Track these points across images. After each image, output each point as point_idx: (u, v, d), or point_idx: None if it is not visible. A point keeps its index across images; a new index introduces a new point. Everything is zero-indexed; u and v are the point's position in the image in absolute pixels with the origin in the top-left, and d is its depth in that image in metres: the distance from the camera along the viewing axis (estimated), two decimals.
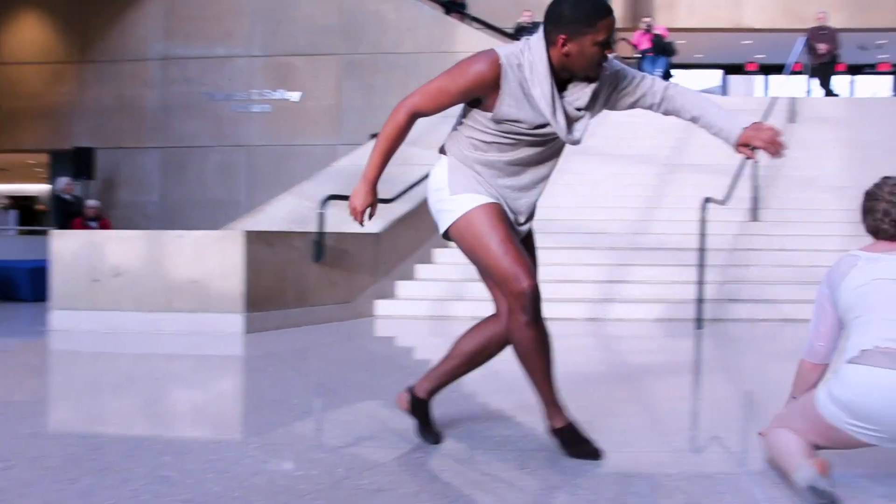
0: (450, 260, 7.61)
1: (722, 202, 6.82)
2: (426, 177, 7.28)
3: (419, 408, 2.62)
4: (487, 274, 2.40)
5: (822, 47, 12.64)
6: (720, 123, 2.39)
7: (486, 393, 3.65)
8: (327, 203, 6.40)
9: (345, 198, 6.75)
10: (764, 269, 7.37)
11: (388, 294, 7.05)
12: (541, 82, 2.29)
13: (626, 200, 8.79)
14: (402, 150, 7.80)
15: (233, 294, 5.64)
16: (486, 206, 2.33)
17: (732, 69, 19.75)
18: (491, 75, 2.27)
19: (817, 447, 2.07)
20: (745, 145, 2.33)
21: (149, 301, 5.76)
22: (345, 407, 3.42)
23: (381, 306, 6.86)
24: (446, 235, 2.43)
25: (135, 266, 5.85)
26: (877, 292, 2.04)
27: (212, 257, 5.76)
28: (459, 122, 2.40)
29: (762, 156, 7.71)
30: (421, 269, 7.45)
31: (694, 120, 2.41)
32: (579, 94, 2.34)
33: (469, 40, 13.03)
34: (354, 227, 6.61)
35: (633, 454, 2.75)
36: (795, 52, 12.85)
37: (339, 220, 6.91)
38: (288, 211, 7.53)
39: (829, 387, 2.04)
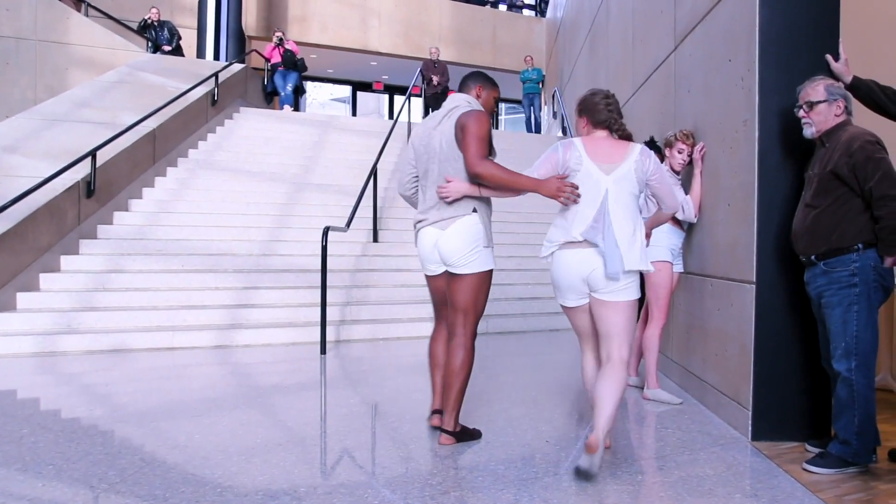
0: (59, 286, 6.87)
1: (344, 229, 7.18)
2: (31, 190, 6.46)
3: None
4: (472, 307, 3.47)
5: (434, 79, 14.04)
6: None
7: None
8: None
9: None
10: (383, 289, 7.91)
11: None
12: None
13: (253, 220, 8.70)
14: (1, 158, 6.77)
15: None
16: None
17: (361, 86, 20.88)
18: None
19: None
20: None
21: None
22: None
23: None
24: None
25: None
26: (583, 201, 3.18)
27: None
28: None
29: (383, 179, 8.30)
30: (23, 299, 6.56)
31: None
32: None
33: (86, 31, 11.87)
34: None
35: (275, 473, 2.94)
36: (414, 78, 14.07)
37: None
38: None
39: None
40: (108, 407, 4.46)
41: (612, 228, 3.09)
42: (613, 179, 3.15)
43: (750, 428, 3.58)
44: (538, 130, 15.52)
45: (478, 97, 3.66)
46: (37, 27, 11.48)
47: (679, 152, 4.57)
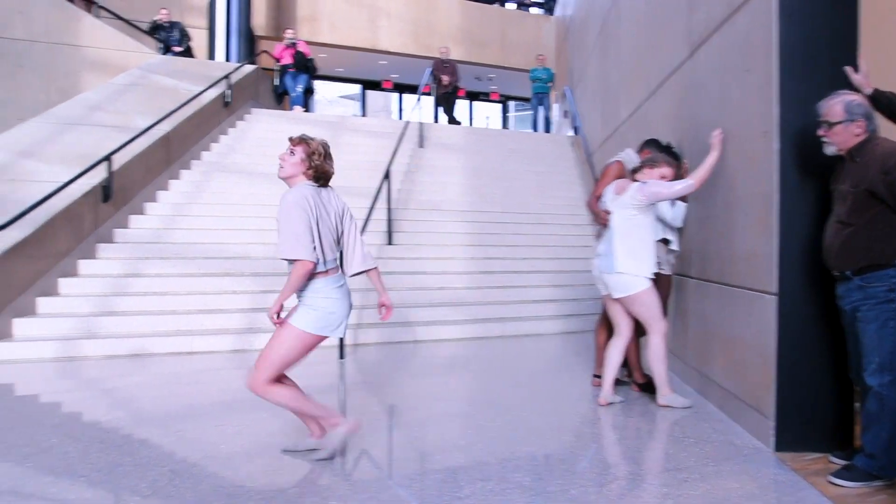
0: (78, 291, 6.93)
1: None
2: (49, 196, 6.52)
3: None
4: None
5: (444, 78, 14.04)
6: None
7: None
8: None
9: None
10: (399, 292, 7.92)
11: (3, 335, 6.17)
12: None
13: (268, 222, 8.67)
14: (16, 162, 6.88)
15: None
16: None
17: (371, 85, 20.89)
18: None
19: None
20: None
21: None
22: None
23: None
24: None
25: None
26: None
27: None
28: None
29: (396, 181, 8.33)
30: (43, 304, 6.63)
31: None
32: None
33: (97, 33, 11.86)
34: None
35: (304, 481, 2.94)
36: (424, 77, 14.09)
37: None
38: None
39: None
40: (133, 414, 4.50)
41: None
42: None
43: (773, 438, 3.60)
44: (547, 129, 15.53)
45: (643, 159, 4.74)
46: (48, 29, 11.51)
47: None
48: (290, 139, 3.44)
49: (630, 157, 4.99)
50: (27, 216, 6.51)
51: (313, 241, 3.25)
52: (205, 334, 6.62)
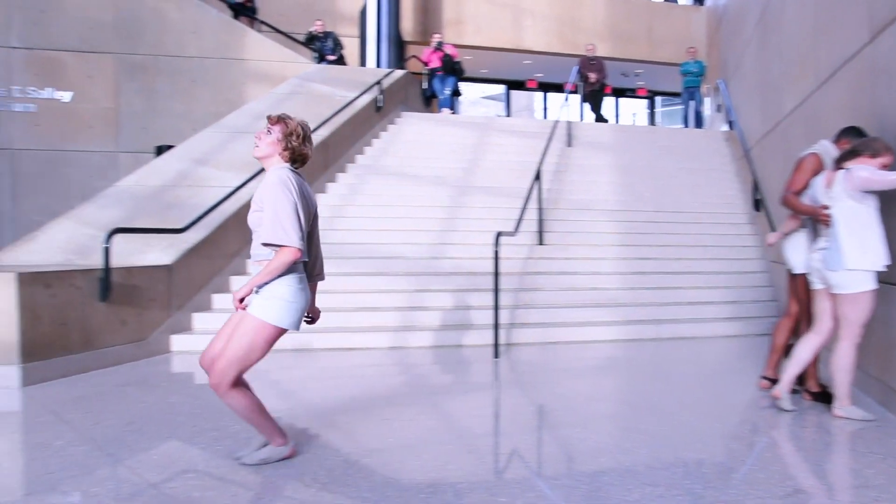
0: None
1: (513, 233, 7.23)
2: (222, 201, 6.98)
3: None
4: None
5: (592, 76, 13.82)
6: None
7: None
8: (113, 237, 5.92)
9: (132, 230, 6.29)
10: (550, 293, 7.91)
11: (185, 328, 6.71)
12: None
13: (420, 223, 8.94)
14: (193, 169, 7.43)
15: (4, 343, 5.11)
16: None
17: (515, 85, 20.95)
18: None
19: None
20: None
21: None
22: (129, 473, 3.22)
23: (178, 341, 6.50)
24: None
25: None
26: None
27: None
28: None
29: (545, 180, 8.22)
30: (217, 300, 7.15)
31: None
32: None
33: (259, 47, 12.67)
34: (143, 260, 6.23)
35: (472, 479, 3.02)
36: (571, 76, 13.95)
37: (127, 252, 6.46)
38: (65, 239, 6.83)
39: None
40: (301, 405, 4.76)
41: None
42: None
43: None
44: (699, 125, 14.91)
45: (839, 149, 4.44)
46: (218, 46, 12.41)
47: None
48: (269, 117, 3.25)
49: (826, 149, 4.64)
50: (204, 219, 7.02)
51: (301, 229, 3.06)
52: (362, 331, 6.87)
